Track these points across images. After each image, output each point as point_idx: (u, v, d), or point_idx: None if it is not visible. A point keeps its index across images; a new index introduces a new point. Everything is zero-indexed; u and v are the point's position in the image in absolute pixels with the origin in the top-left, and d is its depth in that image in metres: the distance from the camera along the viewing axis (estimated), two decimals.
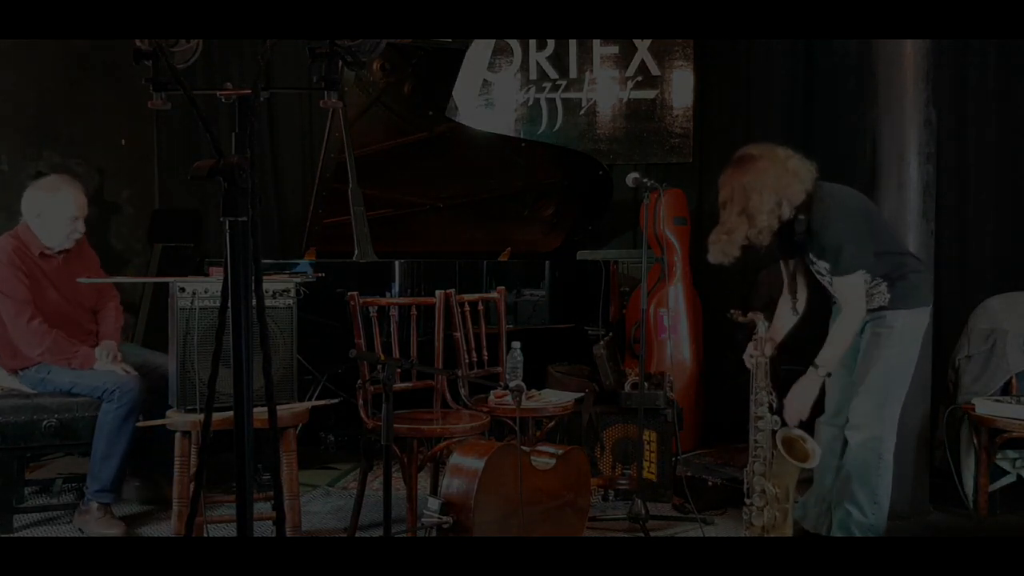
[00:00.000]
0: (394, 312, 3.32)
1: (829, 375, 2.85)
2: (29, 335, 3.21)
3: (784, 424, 2.84)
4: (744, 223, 2.74)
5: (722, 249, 2.80)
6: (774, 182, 2.73)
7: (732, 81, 5.28)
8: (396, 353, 3.24)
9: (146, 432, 3.15)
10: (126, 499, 3.35)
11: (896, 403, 2.89)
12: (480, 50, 5.56)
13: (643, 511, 3.21)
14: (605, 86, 5.56)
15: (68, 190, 3.33)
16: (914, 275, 2.85)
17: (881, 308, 2.86)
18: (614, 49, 5.54)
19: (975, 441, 3.44)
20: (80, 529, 3.19)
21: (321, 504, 3.62)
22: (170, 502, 2.90)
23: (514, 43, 5.59)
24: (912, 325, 2.87)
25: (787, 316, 3.02)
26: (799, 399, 2.84)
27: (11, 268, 3.22)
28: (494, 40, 5.58)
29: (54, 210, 3.30)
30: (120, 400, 3.16)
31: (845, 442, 2.94)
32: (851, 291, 2.78)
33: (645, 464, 3.56)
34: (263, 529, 2.86)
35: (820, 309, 3.06)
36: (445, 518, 2.62)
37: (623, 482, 3.64)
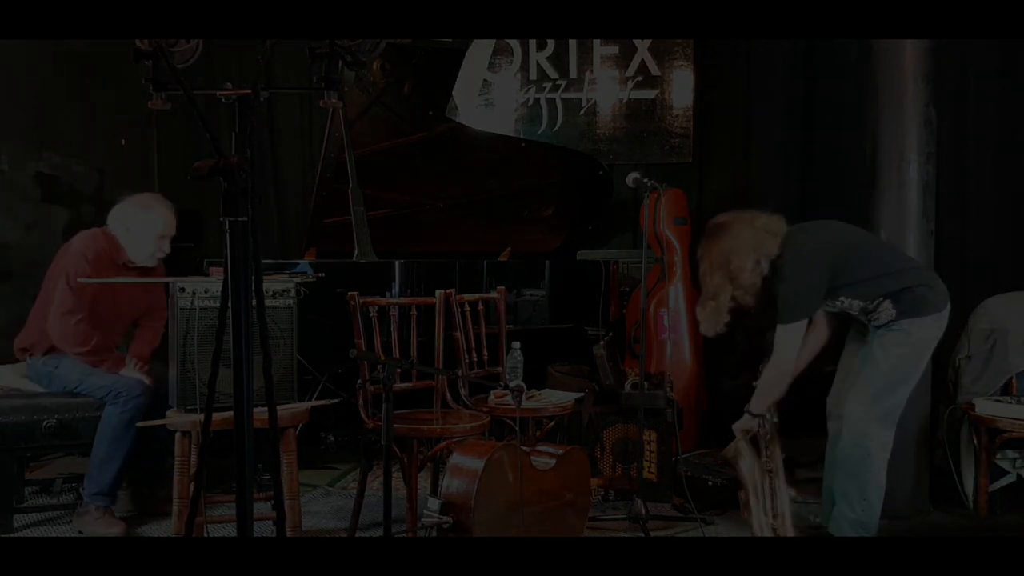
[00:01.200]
0: (394, 312, 3.32)
1: (763, 416, 2.91)
2: (70, 334, 3.19)
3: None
4: (728, 285, 2.85)
5: (711, 317, 2.90)
6: (749, 242, 2.85)
7: (732, 81, 5.29)
8: (396, 353, 3.24)
9: (138, 441, 3.16)
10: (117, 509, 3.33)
11: (892, 402, 2.88)
12: (480, 50, 5.56)
13: (643, 511, 3.21)
14: (605, 86, 5.56)
15: (159, 208, 3.34)
16: (920, 288, 2.85)
17: (890, 321, 2.87)
18: (614, 49, 5.54)
19: (975, 441, 3.44)
20: (80, 531, 3.19)
21: (321, 504, 3.62)
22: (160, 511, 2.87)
23: (514, 43, 5.59)
24: (923, 330, 2.86)
25: (811, 345, 3.06)
26: (736, 429, 2.94)
27: (90, 266, 3.21)
28: (494, 40, 5.58)
29: (142, 226, 3.31)
30: (125, 405, 3.15)
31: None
32: (784, 340, 2.83)
33: (645, 464, 3.56)
34: (263, 529, 2.85)
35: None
36: (445, 518, 2.61)
37: (623, 482, 3.64)
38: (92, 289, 3.22)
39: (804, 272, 2.81)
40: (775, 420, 2.96)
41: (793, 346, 2.82)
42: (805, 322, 2.82)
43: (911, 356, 2.88)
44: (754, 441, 2.92)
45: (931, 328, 2.87)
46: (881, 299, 2.85)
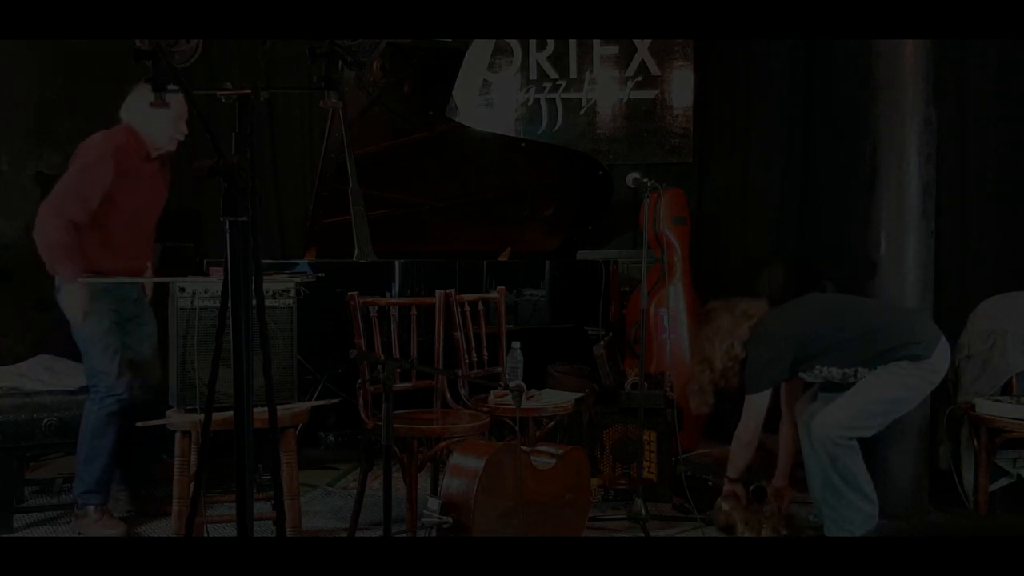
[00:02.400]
0: (394, 312, 3.32)
1: (737, 479, 3.10)
2: (57, 229, 3.01)
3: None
4: (706, 370, 3.05)
5: (696, 398, 3.14)
6: (725, 328, 3.03)
7: (732, 81, 5.28)
8: (396, 353, 3.24)
9: (132, 439, 3.14)
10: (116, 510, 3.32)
11: (868, 424, 2.91)
12: (480, 50, 5.56)
13: (643, 511, 3.21)
14: (605, 86, 5.56)
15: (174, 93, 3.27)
16: (903, 347, 2.88)
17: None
18: (614, 49, 5.54)
19: (975, 441, 3.44)
20: (80, 532, 3.18)
21: (321, 504, 3.61)
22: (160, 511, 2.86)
23: (514, 43, 5.59)
24: (917, 369, 2.89)
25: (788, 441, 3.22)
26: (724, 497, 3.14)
27: (106, 164, 3.06)
28: (494, 40, 5.58)
29: (159, 110, 3.22)
30: (103, 401, 3.12)
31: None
32: (749, 409, 3.00)
33: (645, 464, 3.56)
34: (263, 529, 2.86)
35: None
36: (445, 518, 2.61)
37: (623, 482, 3.64)
38: (101, 192, 3.06)
39: (764, 349, 2.98)
40: (776, 506, 3.10)
41: (757, 414, 2.98)
42: (768, 392, 2.98)
43: (902, 388, 2.91)
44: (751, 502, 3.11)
45: (925, 370, 2.90)
46: (859, 368, 2.92)
